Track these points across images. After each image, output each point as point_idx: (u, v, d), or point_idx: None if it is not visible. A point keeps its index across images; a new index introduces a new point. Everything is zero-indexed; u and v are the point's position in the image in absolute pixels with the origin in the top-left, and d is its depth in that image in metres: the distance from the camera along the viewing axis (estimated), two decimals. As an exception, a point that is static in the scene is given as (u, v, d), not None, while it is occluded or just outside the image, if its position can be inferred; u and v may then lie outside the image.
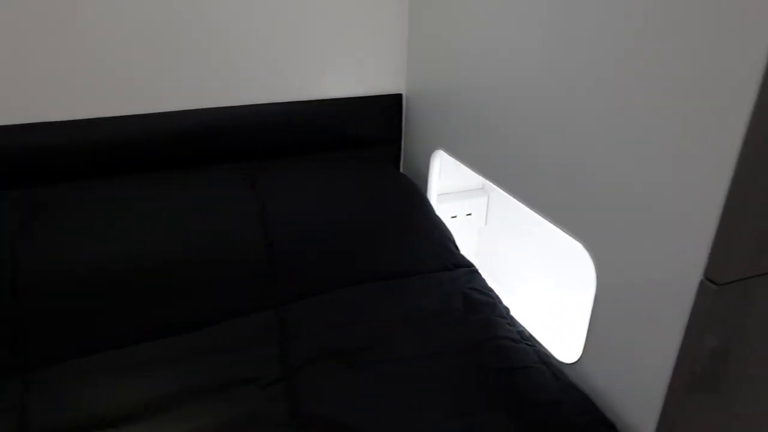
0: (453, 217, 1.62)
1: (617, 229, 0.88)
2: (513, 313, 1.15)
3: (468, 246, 1.62)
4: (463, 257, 1.27)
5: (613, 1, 0.83)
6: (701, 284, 0.75)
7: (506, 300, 1.18)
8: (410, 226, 1.26)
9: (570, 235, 0.99)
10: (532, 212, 1.07)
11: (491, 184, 1.19)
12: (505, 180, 1.14)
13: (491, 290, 1.20)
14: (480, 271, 1.25)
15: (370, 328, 1.08)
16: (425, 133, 1.46)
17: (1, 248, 1.00)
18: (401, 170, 1.59)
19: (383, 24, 1.43)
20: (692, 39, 0.72)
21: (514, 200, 1.11)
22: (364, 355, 1.03)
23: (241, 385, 0.97)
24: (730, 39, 0.67)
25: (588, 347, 0.99)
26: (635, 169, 0.83)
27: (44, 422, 0.90)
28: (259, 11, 1.29)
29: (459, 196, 1.66)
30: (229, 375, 0.98)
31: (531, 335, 1.10)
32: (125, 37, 1.18)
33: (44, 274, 0.99)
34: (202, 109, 1.29)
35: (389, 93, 1.51)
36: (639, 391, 0.88)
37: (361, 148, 1.52)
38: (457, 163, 1.33)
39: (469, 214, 1.68)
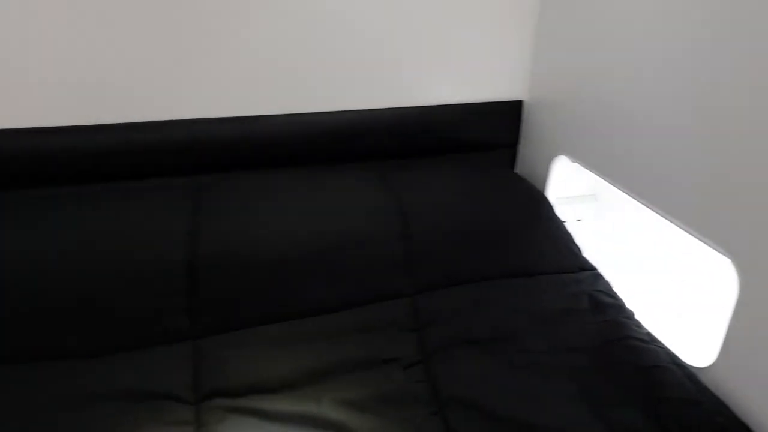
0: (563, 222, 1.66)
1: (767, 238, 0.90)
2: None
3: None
4: (586, 260, 1.31)
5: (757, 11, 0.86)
6: None
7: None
8: (535, 228, 1.32)
9: (709, 245, 1.01)
10: (644, 217, 1.09)
11: (601, 190, 1.22)
12: (638, 187, 1.17)
13: (616, 293, 1.23)
14: (595, 275, 1.29)
15: (499, 322, 1.14)
16: (546, 138, 1.51)
17: (179, 229, 1.13)
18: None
19: (508, 33, 1.48)
20: None
21: (625, 206, 1.14)
22: (494, 345, 1.10)
23: (385, 363, 1.07)
24: None
25: (725, 352, 1.00)
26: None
27: (214, 384, 1.02)
28: (391, 19, 1.38)
29: (569, 201, 1.70)
30: (374, 354, 1.08)
31: (657, 338, 1.13)
32: (290, 44, 1.31)
33: (218, 253, 1.11)
34: (344, 111, 1.40)
35: (510, 99, 1.56)
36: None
37: (476, 151, 1.59)
38: (569, 168, 1.37)
39: (579, 220, 1.71)
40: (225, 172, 1.34)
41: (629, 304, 1.21)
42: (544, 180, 1.53)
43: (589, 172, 1.34)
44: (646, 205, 1.15)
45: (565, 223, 1.37)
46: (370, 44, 1.38)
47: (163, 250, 1.09)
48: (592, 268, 1.30)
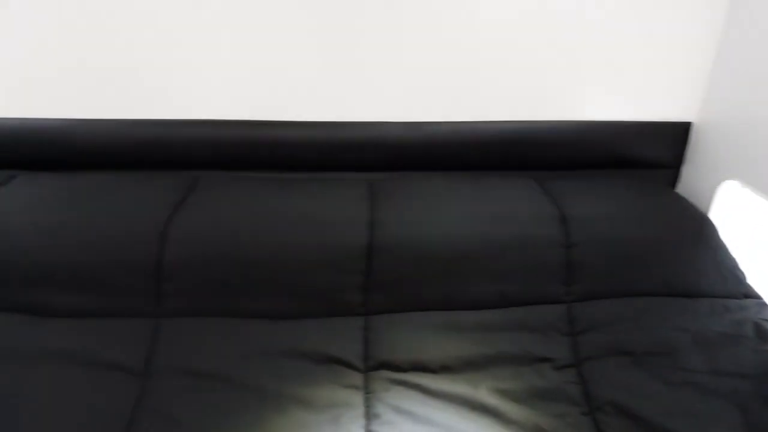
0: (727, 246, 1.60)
1: None
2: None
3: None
4: (751, 288, 1.28)
5: None
6: None
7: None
8: (699, 249, 1.30)
9: None
10: None
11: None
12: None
13: (784, 325, 1.19)
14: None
15: (656, 337, 1.16)
16: (716, 162, 1.47)
17: (361, 218, 1.28)
18: (675, 195, 1.62)
19: (685, 53, 1.46)
20: None
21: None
22: (649, 359, 1.12)
23: (538, 362, 1.13)
24: None
25: None
26: None
27: (381, 357, 1.15)
28: (557, 32, 1.42)
29: (735, 225, 1.63)
30: (529, 351, 1.15)
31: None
32: (457, 58, 1.42)
33: (393, 242, 1.25)
34: (506, 121, 1.48)
35: (677, 120, 1.54)
36: None
37: (635, 168, 1.58)
38: (739, 193, 1.32)
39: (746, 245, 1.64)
40: (396, 170, 1.48)
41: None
42: (708, 203, 1.49)
43: (763, 198, 1.30)
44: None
45: (729, 248, 1.34)
46: (533, 57, 1.44)
47: (347, 235, 1.25)
48: (758, 297, 1.26)
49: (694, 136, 1.56)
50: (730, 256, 1.33)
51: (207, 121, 1.46)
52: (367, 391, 1.10)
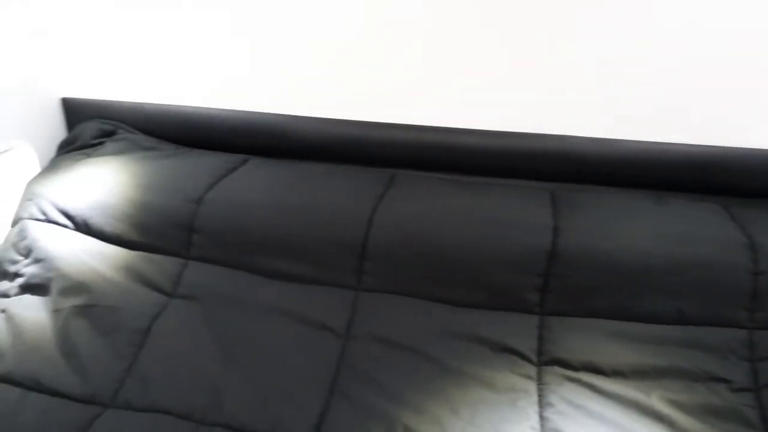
0: None
1: None
2: None
3: None
4: None
5: None
6: None
7: None
8: None
9: None
10: None
11: None
12: None
13: None
14: None
15: None
16: None
17: (546, 223, 1.38)
18: None
19: None
20: None
21: None
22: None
23: (714, 381, 1.16)
24: None
25: None
26: None
27: (554, 354, 1.25)
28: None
29: None
30: (703, 369, 1.18)
31: None
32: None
33: (575, 249, 1.33)
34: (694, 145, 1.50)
35: None
36: None
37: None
38: None
39: None
40: (577, 182, 1.56)
41: None
42: None
43: None
44: None
45: None
46: (734, 82, 1.44)
47: (531, 238, 1.35)
48: None
49: None
50: None
51: (401, 125, 1.64)
52: (541, 383, 1.21)
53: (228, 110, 1.69)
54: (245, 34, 1.61)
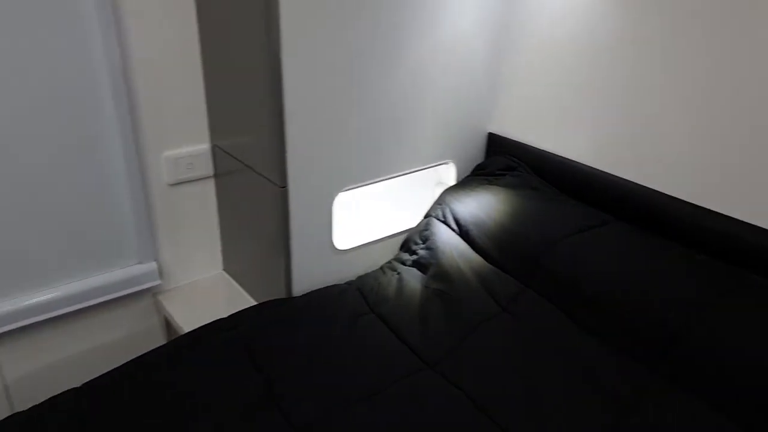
0: None
1: None
2: None
3: None
4: None
5: None
6: None
7: None
8: None
9: None
10: None
11: None
12: None
13: None
14: None
15: None
16: None
17: None
18: None
19: None
20: None
21: None
22: None
23: None
24: None
25: None
26: None
27: None
28: None
29: None
30: None
31: None
32: None
33: None
34: None
35: None
36: None
37: None
38: None
39: None
40: None
41: None
42: None
43: None
44: None
45: None
46: None
47: None
48: None
49: None
50: None
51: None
52: None
53: (608, 173, 1.88)
54: (639, 113, 1.76)
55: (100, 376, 1.50)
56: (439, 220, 2.01)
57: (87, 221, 1.87)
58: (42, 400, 1.45)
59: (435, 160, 2.11)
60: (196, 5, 1.83)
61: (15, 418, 1.37)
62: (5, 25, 1.53)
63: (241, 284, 2.18)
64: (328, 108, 1.70)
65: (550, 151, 2.06)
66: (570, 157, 1.99)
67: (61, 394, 1.45)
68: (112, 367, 1.53)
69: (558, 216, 1.85)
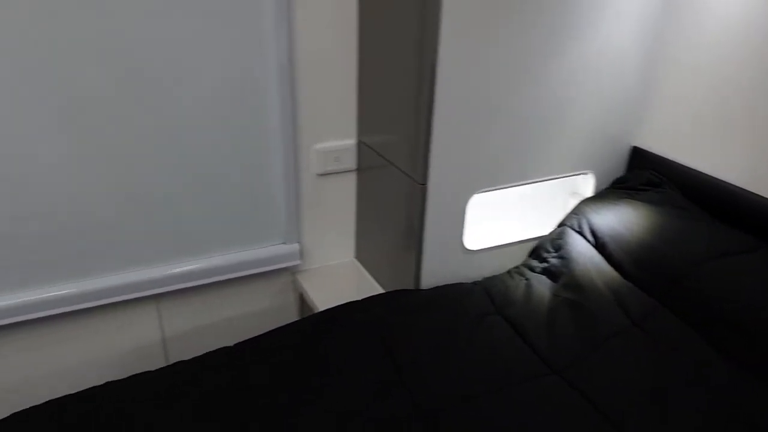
0: None
1: None
2: None
3: None
4: None
5: None
6: None
7: None
8: None
9: None
10: None
11: None
12: None
13: None
14: None
15: None
16: None
17: None
18: None
19: None
20: None
21: None
22: None
23: None
24: None
25: None
26: None
27: None
28: None
29: None
30: None
31: None
32: None
33: None
34: None
35: None
36: None
37: None
38: None
39: None
40: None
41: None
42: None
43: None
44: None
45: None
46: None
47: None
48: None
49: None
50: None
51: None
52: None
53: (765, 198, 1.76)
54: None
55: (255, 338, 1.68)
56: (574, 230, 2.00)
57: (246, 202, 2.08)
58: (192, 355, 1.65)
59: (574, 169, 2.09)
60: (359, 3, 1.96)
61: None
62: (194, 14, 1.74)
63: (370, 272, 2.31)
64: (476, 110, 1.76)
65: (699, 169, 1.96)
66: (722, 178, 1.89)
67: (235, 345, 1.67)
68: (253, 334, 1.71)
69: (704, 237, 1.77)
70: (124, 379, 1.56)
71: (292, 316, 2.40)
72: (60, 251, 1.84)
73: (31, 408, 1.46)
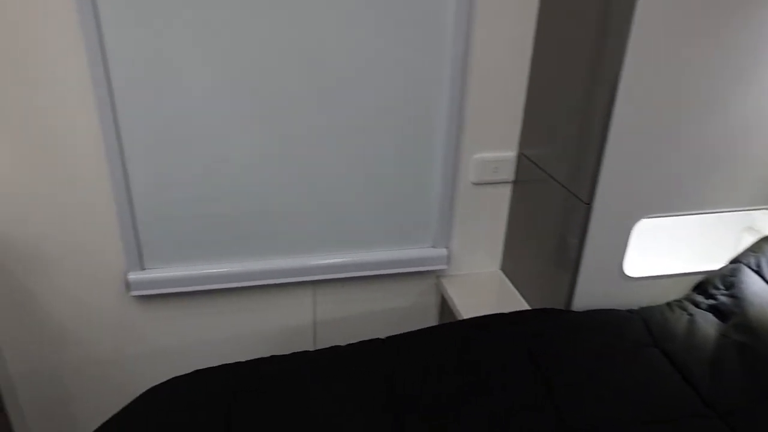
0: None
1: None
2: None
3: None
4: None
5: None
6: None
7: None
8: None
9: None
10: None
11: None
12: None
13: None
14: None
15: None
16: None
17: None
18: None
19: None
20: None
21: None
22: None
23: None
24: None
25: None
26: None
27: None
28: None
29: None
30: None
31: None
32: None
33: None
34: None
35: None
36: None
37: None
38: None
39: None
40: None
41: None
42: None
43: None
44: None
45: None
46: None
47: None
48: None
49: None
50: None
51: None
52: None
53: None
54: None
55: (406, 333, 1.76)
56: (751, 268, 1.85)
57: (404, 204, 2.18)
58: (336, 342, 1.77)
59: (754, 203, 1.94)
60: (538, 13, 1.97)
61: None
62: (387, 25, 1.86)
63: (515, 285, 2.30)
64: (655, 131, 1.70)
65: None
66: None
67: (386, 338, 1.77)
68: (393, 329, 1.80)
69: None
70: (288, 354, 1.71)
71: (431, 317, 2.46)
72: (246, 232, 2.06)
73: (207, 369, 1.65)
